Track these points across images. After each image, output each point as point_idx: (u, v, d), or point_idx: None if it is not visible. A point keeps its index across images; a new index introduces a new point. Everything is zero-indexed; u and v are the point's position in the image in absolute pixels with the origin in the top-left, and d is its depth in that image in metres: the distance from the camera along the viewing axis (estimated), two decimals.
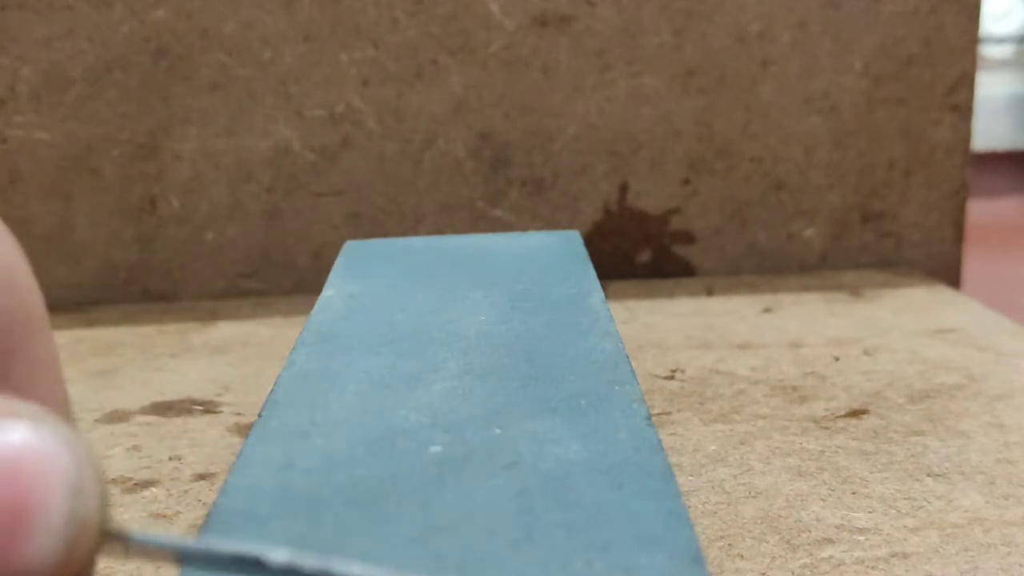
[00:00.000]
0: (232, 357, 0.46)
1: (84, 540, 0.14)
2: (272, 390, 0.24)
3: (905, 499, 0.30)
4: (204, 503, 0.31)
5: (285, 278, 0.56)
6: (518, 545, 0.17)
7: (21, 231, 0.54)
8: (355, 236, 0.54)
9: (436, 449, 0.21)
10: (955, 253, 0.58)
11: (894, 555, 0.27)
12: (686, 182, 0.56)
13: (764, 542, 0.28)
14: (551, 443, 0.21)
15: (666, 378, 0.41)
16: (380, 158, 0.54)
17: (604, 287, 0.32)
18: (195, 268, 0.55)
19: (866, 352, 0.43)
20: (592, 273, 0.34)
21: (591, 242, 0.56)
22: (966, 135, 0.57)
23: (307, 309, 0.30)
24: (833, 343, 0.45)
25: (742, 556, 0.27)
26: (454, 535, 0.17)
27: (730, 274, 0.57)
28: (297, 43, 0.53)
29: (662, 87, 0.55)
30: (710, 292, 0.54)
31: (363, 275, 0.34)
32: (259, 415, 0.23)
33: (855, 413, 0.37)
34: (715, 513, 0.29)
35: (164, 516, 0.30)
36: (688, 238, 0.57)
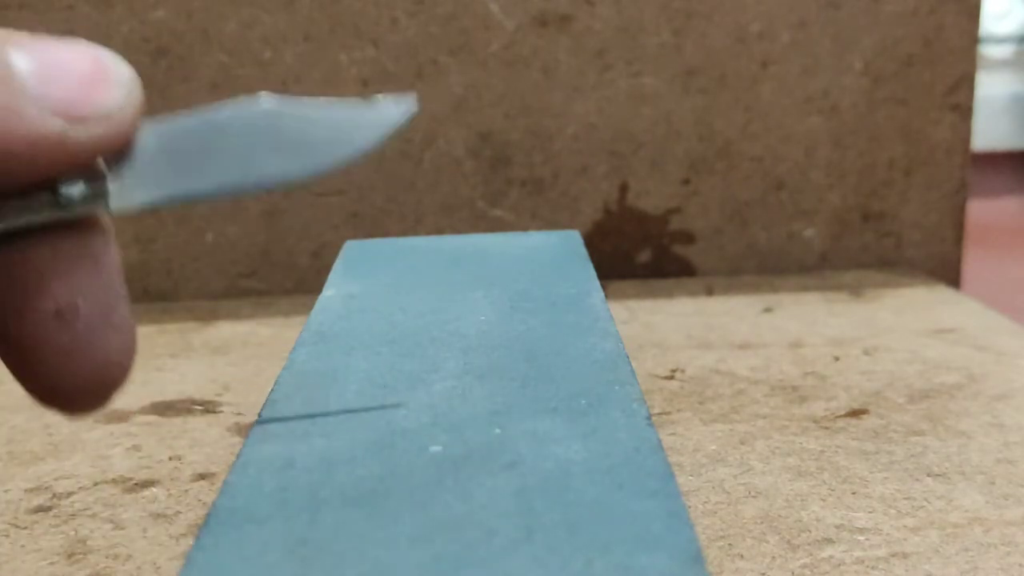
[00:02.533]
0: (232, 357, 0.46)
1: (137, 99, 0.21)
2: (272, 390, 0.24)
3: (905, 499, 0.30)
4: (204, 503, 0.31)
5: (285, 278, 0.56)
6: (518, 545, 0.17)
7: None
8: (355, 236, 0.54)
9: (436, 449, 0.21)
10: (955, 253, 0.58)
11: (894, 555, 0.27)
12: (686, 182, 0.56)
13: (764, 542, 0.28)
14: (551, 443, 0.21)
15: (666, 378, 0.41)
16: (380, 158, 0.54)
17: (604, 287, 0.32)
18: (195, 268, 0.55)
19: (866, 352, 0.43)
20: (592, 273, 0.34)
21: (591, 242, 0.56)
22: (966, 135, 0.57)
23: (307, 309, 0.30)
24: (833, 343, 0.45)
25: (742, 556, 0.27)
26: (454, 535, 0.17)
27: (730, 274, 0.57)
28: (297, 43, 0.53)
29: (662, 87, 0.55)
30: (710, 292, 0.54)
31: (363, 275, 0.34)
32: (259, 415, 0.23)
33: (855, 413, 0.37)
34: (715, 513, 0.29)
35: (164, 516, 0.30)
36: (688, 238, 0.57)
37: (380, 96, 0.21)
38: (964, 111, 0.57)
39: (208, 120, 0.21)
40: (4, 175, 0.19)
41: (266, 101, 0.20)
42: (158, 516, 0.30)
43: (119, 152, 0.20)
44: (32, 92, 0.20)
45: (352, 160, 0.20)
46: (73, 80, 0.21)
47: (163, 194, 0.20)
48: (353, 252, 0.37)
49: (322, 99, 0.20)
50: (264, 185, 0.20)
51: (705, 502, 0.30)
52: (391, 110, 0.21)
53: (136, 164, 0.21)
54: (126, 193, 0.20)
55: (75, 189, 0.20)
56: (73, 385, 0.21)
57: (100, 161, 0.20)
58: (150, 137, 0.21)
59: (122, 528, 0.29)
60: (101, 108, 0.20)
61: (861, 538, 0.28)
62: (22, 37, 0.21)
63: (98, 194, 0.20)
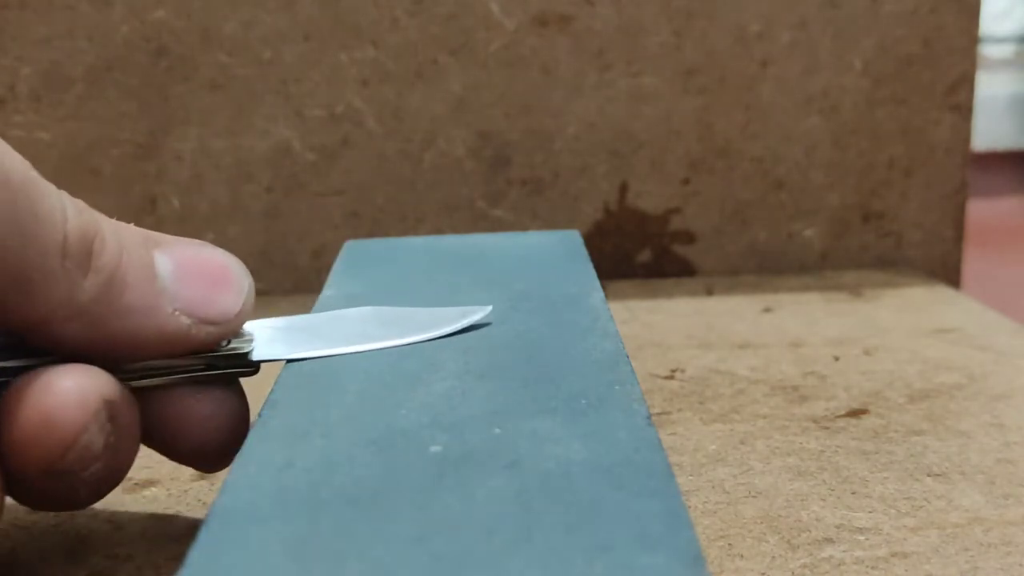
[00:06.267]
0: None
1: (251, 303, 0.25)
2: (272, 390, 0.24)
3: (905, 499, 0.30)
4: (204, 503, 0.31)
5: (285, 278, 0.56)
6: (518, 545, 0.17)
7: None
8: (355, 236, 0.54)
9: (436, 449, 0.21)
10: (955, 253, 0.58)
11: (894, 555, 0.27)
12: (686, 182, 0.56)
13: (764, 542, 0.28)
14: (551, 443, 0.21)
15: (666, 378, 0.41)
16: (380, 158, 0.54)
17: (604, 287, 0.32)
18: None
19: (866, 352, 0.43)
20: (592, 273, 0.34)
21: (591, 242, 0.56)
22: (966, 135, 0.57)
23: (307, 309, 0.30)
24: (833, 343, 0.45)
25: (742, 556, 0.27)
26: (454, 535, 0.17)
27: (730, 274, 0.57)
28: (297, 43, 0.53)
29: (662, 87, 0.55)
30: (710, 292, 0.54)
31: (363, 275, 0.34)
32: (259, 415, 0.23)
33: (855, 413, 0.37)
34: (715, 513, 0.29)
35: (164, 516, 0.30)
36: (688, 238, 0.57)
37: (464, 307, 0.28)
38: (964, 111, 0.57)
39: (331, 315, 0.28)
40: (139, 355, 0.23)
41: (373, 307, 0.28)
42: (158, 516, 0.30)
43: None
44: (168, 292, 0.23)
45: (438, 334, 0.27)
46: (202, 285, 0.24)
47: (301, 351, 0.26)
48: (353, 252, 0.37)
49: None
50: (374, 346, 0.26)
51: (705, 502, 0.30)
52: (470, 310, 0.28)
53: (279, 333, 0.26)
54: (267, 350, 0.26)
55: (222, 352, 0.25)
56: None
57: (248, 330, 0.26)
58: (289, 320, 0.27)
59: (122, 528, 0.29)
60: (222, 313, 0.24)
61: (861, 538, 0.28)
62: (162, 239, 0.25)
63: (242, 355, 0.25)
